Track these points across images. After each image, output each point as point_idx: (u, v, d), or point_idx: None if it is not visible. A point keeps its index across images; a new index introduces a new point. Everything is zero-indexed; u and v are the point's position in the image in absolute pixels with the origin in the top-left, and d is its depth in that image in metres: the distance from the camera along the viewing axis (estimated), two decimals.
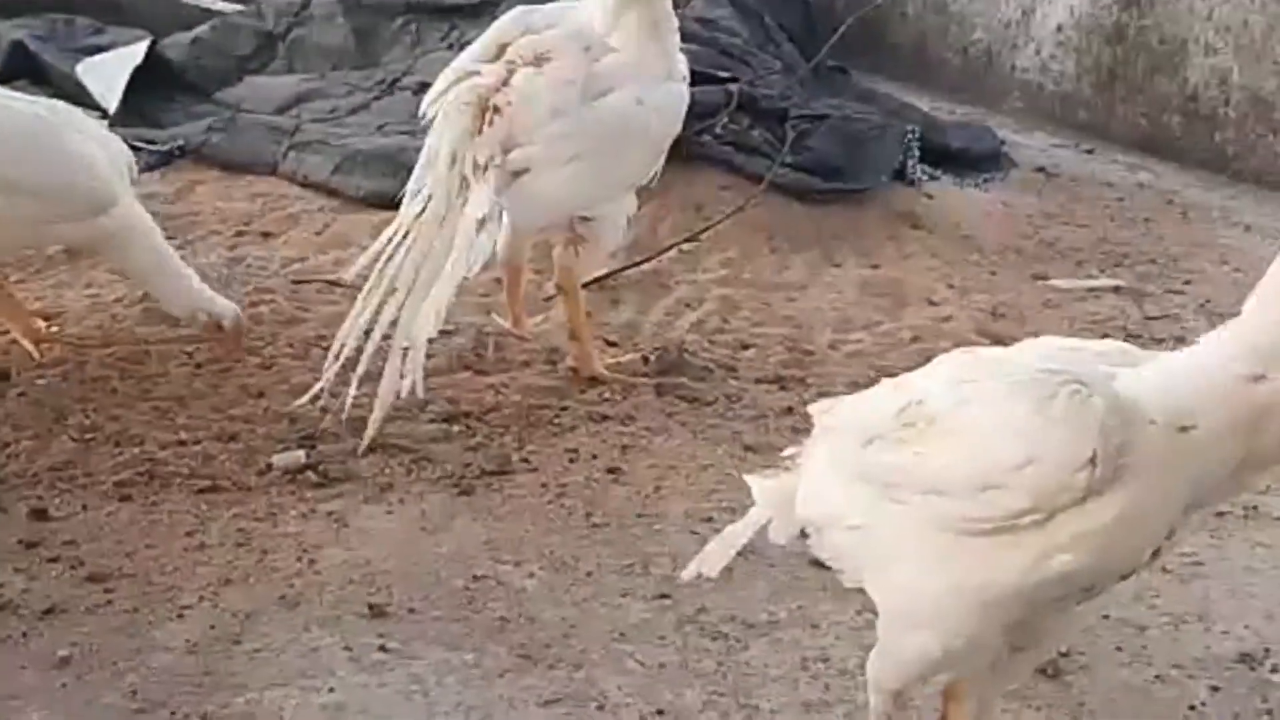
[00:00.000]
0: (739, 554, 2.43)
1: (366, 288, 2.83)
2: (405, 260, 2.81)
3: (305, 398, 2.83)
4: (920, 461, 1.53)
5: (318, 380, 2.87)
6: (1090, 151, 6.18)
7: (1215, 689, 2.12)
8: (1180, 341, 3.80)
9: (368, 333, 2.79)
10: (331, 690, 2.03)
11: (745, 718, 2.02)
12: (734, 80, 4.43)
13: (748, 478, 1.85)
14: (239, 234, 3.89)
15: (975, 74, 6.99)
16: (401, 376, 2.75)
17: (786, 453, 1.83)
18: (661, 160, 3.09)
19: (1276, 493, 2.80)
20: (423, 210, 2.85)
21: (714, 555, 1.84)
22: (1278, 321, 1.46)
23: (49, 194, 2.93)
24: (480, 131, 2.85)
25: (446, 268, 2.77)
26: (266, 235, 3.89)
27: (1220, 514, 2.70)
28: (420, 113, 3.09)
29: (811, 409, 1.81)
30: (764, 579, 2.40)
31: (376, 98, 4.80)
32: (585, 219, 3.03)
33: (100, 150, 3.05)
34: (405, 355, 2.74)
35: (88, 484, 2.58)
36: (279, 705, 1.99)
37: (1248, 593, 2.42)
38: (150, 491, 2.57)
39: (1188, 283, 4.35)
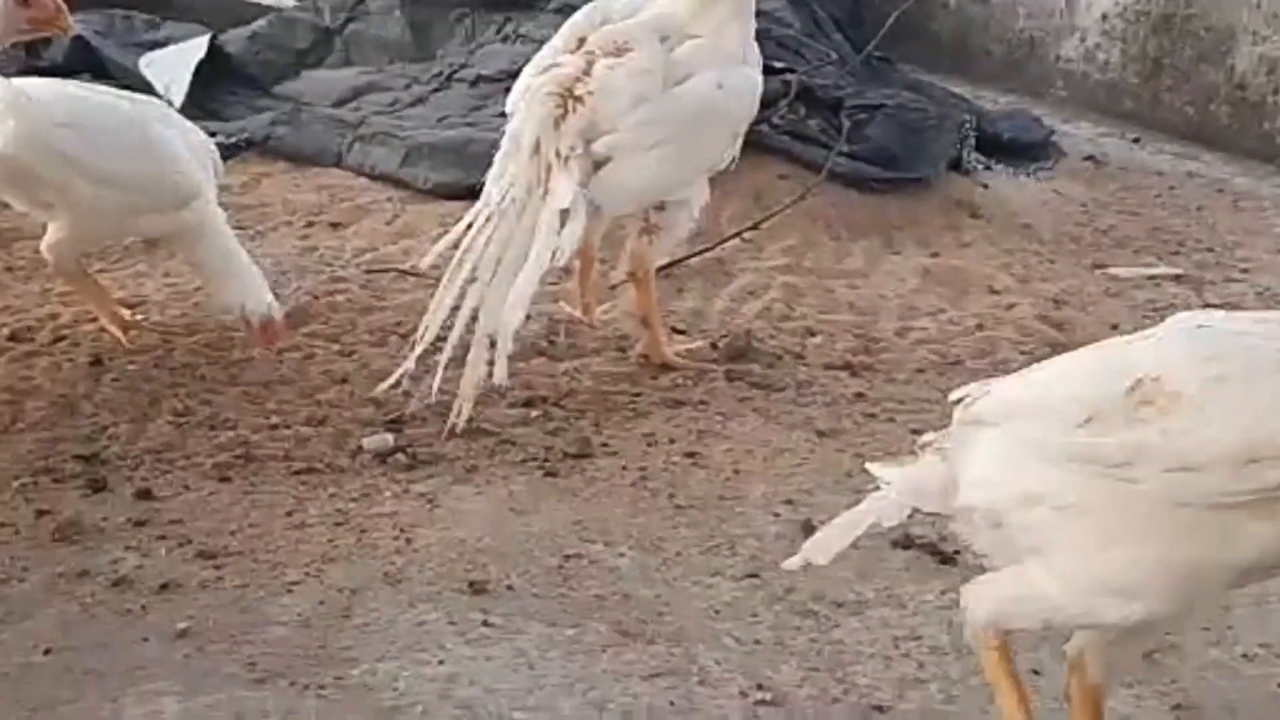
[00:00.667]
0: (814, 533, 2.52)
1: (447, 275, 2.89)
2: (487, 249, 2.87)
3: (388, 383, 2.90)
4: (1168, 439, 1.54)
5: (396, 366, 2.96)
6: (1137, 140, 6.19)
7: None
8: None
9: (450, 321, 2.86)
10: (441, 663, 2.10)
11: (843, 692, 2.08)
12: (791, 71, 4.47)
13: (873, 467, 1.87)
14: (309, 225, 3.96)
15: (1018, 63, 7.00)
16: (489, 364, 2.81)
17: (924, 440, 1.85)
18: (738, 145, 3.13)
19: None
20: (504, 199, 2.91)
21: (826, 543, 1.86)
22: None
23: (136, 186, 3.02)
24: (563, 121, 2.90)
25: (531, 257, 2.83)
26: (336, 226, 3.96)
27: None
28: (506, 107, 3.13)
29: (955, 396, 1.84)
30: (848, 560, 2.43)
31: (435, 90, 4.87)
32: (660, 207, 3.09)
33: (185, 144, 3.14)
34: (490, 344, 2.80)
35: (187, 465, 2.66)
36: (393, 676, 2.06)
37: None
38: (248, 473, 2.64)
39: (1245, 270, 4.38)
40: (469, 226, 2.93)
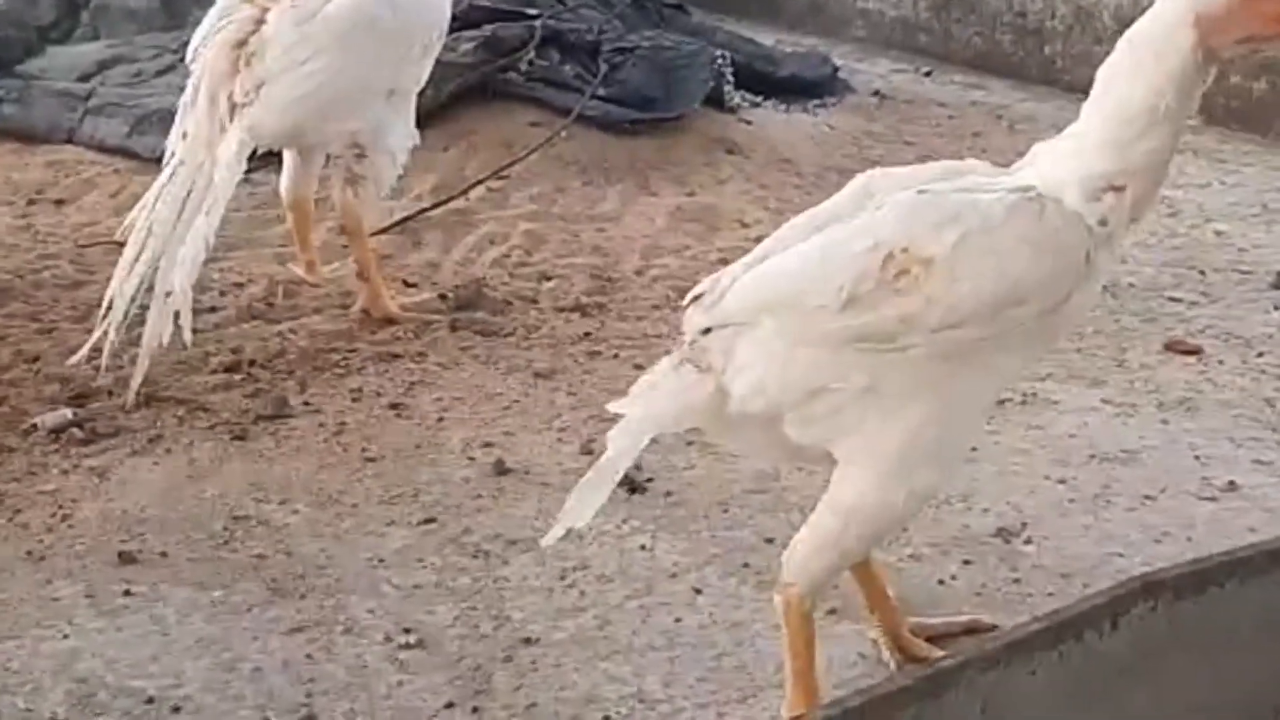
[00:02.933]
0: (512, 474, 2.45)
1: (131, 237, 2.77)
2: (165, 206, 2.74)
3: (76, 356, 2.75)
4: (930, 303, 1.60)
5: (96, 339, 2.81)
6: (929, 74, 6.23)
7: (968, 562, 2.15)
8: None
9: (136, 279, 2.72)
10: (66, 637, 1.97)
11: (494, 628, 2.01)
12: (536, 17, 4.37)
13: (618, 406, 1.79)
14: (30, 203, 3.76)
15: (818, 5, 7.01)
16: (176, 325, 2.68)
17: (670, 361, 1.78)
18: (424, 67, 3.01)
19: (1054, 379, 2.84)
20: (180, 154, 2.79)
21: (582, 502, 1.78)
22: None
23: None
24: (234, 75, 2.79)
25: (202, 211, 2.71)
26: (59, 203, 3.77)
27: (1000, 402, 2.73)
28: (186, 60, 3.02)
29: (690, 296, 1.80)
30: (535, 497, 2.38)
31: (183, 59, 4.66)
32: (360, 154, 2.98)
33: None
34: (168, 302, 2.67)
35: None
36: (9, 655, 1.93)
37: (1014, 472, 2.45)
38: None
39: None
40: (157, 187, 2.81)
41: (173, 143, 2.88)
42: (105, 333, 2.72)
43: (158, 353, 2.67)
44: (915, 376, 1.64)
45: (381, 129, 2.96)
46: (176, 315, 2.69)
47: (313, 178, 3.18)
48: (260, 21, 2.88)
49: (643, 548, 2.22)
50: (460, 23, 4.29)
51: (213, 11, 2.98)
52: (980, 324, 1.62)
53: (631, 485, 2.41)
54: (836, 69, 5.51)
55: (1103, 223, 1.65)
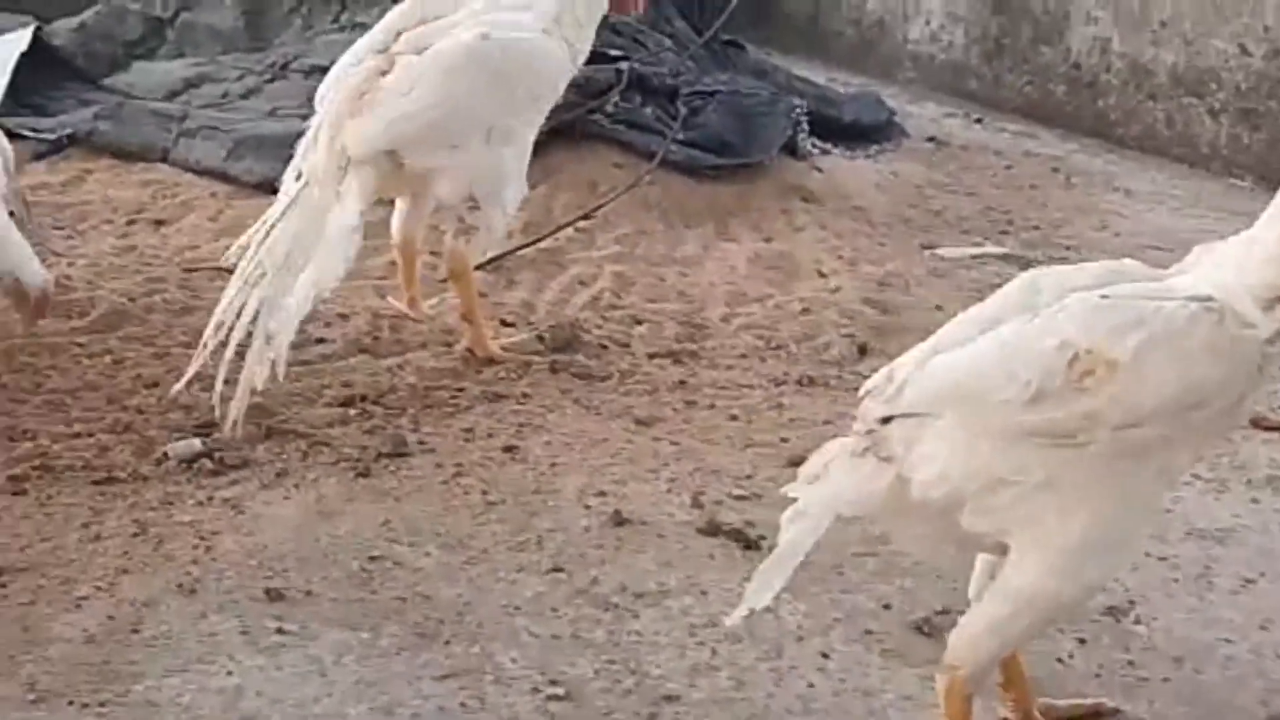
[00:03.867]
0: (629, 524, 2.55)
1: (241, 268, 2.85)
2: (277, 242, 2.84)
3: (181, 383, 2.82)
4: (1114, 402, 1.71)
5: (211, 368, 2.91)
6: (979, 121, 6.35)
7: (1082, 641, 2.24)
8: None
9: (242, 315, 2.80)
10: (229, 674, 2.07)
11: (635, 683, 2.10)
12: (625, 59, 4.48)
13: (793, 489, 1.86)
14: (130, 223, 3.87)
15: (868, 46, 7.13)
16: (271, 362, 2.74)
17: (852, 447, 1.84)
18: (532, 115, 3.09)
19: None
20: (298, 192, 2.89)
21: (765, 583, 1.85)
22: None
23: None
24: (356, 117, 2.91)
25: (320, 255, 2.80)
26: (159, 224, 3.88)
27: None
28: (315, 101, 3.12)
29: (865, 389, 1.88)
30: (653, 549, 2.48)
31: (269, 80, 4.78)
32: (474, 205, 3.08)
33: None
34: (269, 345, 2.74)
35: None
36: (178, 691, 2.02)
37: None
38: (44, 485, 2.57)
39: (1069, 248, 4.52)
40: (268, 220, 2.91)
41: (289, 181, 2.97)
42: (208, 362, 2.79)
43: (256, 390, 2.74)
44: (1093, 472, 1.73)
45: (496, 180, 3.06)
46: (274, 362, 2.74)
47: (422, 221, 3.28)
48: (385, 72, 2.99)
49: (767, 609, 2.30)
50: None
51: (345, 57, 3.09)
52: (1160, 424, 1.72)
53: (746, 542, 2.52)
54: (894, 113, 5.63)
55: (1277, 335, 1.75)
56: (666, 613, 2.29)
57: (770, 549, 2.39)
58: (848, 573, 2.43)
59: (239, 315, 2.77)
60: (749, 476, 2.78)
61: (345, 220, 2.88)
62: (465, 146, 3.00)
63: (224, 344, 2.77)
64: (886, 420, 1.82)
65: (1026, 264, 4.31)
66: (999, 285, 4.01)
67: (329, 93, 3.04)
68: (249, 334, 2.76)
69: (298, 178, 2.98)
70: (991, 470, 1.76)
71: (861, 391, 1.89)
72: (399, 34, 3.09)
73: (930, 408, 1.79)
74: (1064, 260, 4.40)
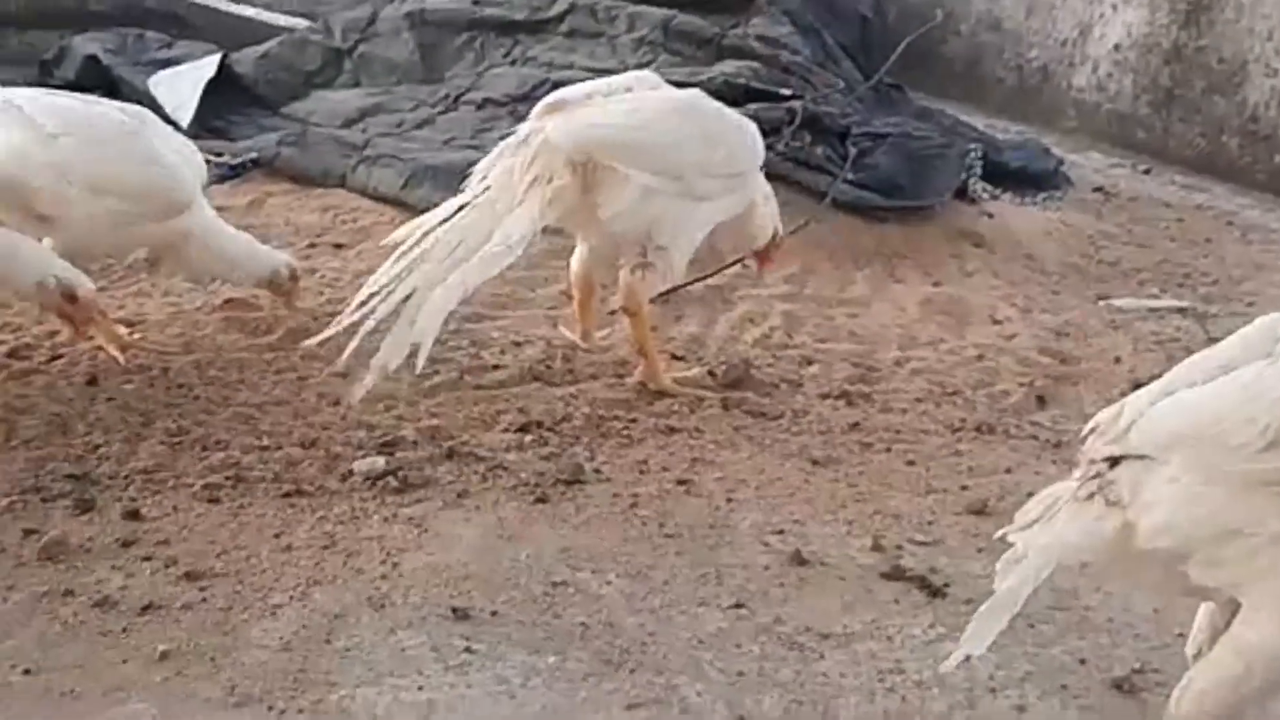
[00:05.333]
0: (809, 564, 2.51)
1: (402, 247, 2.91)
2: (448, 232, 2.89)
3: (317, 339, 2.93)
4: None
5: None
6: (1147, 172, 6.17)
7: None
8: None
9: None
10: (420, 689, 2.08)
11: None
12: (797, 98, 4.48)
13: (1014, 534, 1.81)
14: (311, 245, 3.98)
15: (1030, 92, 7.00)
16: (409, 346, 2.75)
17: (1077, 491, 1.78)
18: (725, 186, 3.15)
19: None
20: (481, 191, 2.96)
21: (982, 630, 1.80)
22: None
23: (131, 194, 3.05)
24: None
25: (478, 258, 2.84)
26: (338, 247, 3.97)
27: None
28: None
29: (1088, 428, 1.82)
30: (836, 592, 2.44)
31: (442, 112, 4.89)
32: (658, 246, 3.09)
33: (174, 151, 3.19)
34: (411, 330, 2.76)
35: (177, 486, 2.66)
36: (372, 702, 2.04)
37: None
38: (237, 495, 2.64)
39: (1251, 304, 4.35)
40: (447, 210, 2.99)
41: (474, 182, 3.02)
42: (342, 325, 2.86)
43: (388, 371, 2.78)
44: None
45: (677, 229, 3.08)
46: (414, 348, 2.76)
47: (602, 262, 3.30)
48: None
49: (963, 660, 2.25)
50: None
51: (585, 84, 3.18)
52: None
53: (931, 589, 2.46)
54: (1061, 161, 5.51)
55: None
56: (853, 656, 2.24)
57: (955, 598, 2.36)
58: (1039, 626, 2.35)
59: (391, 294, 2.82)
60: (930, 522, 2.72)
61: (514, 231, 2.91)
62: (657, 178, 3.02)
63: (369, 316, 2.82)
64: (1114, 462, 1.75)
65: (1205, 318, 4.17)
66: (1179, 340, 3.96)
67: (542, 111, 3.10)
68: (394, 313, 2.81)
69: (483, 174, 3.04)
70: (1223, 520, 1.68)
71: (1086, 429, 1.83)
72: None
73: (1159, 450, 1.72)
74: (1246, 316, 4.24)
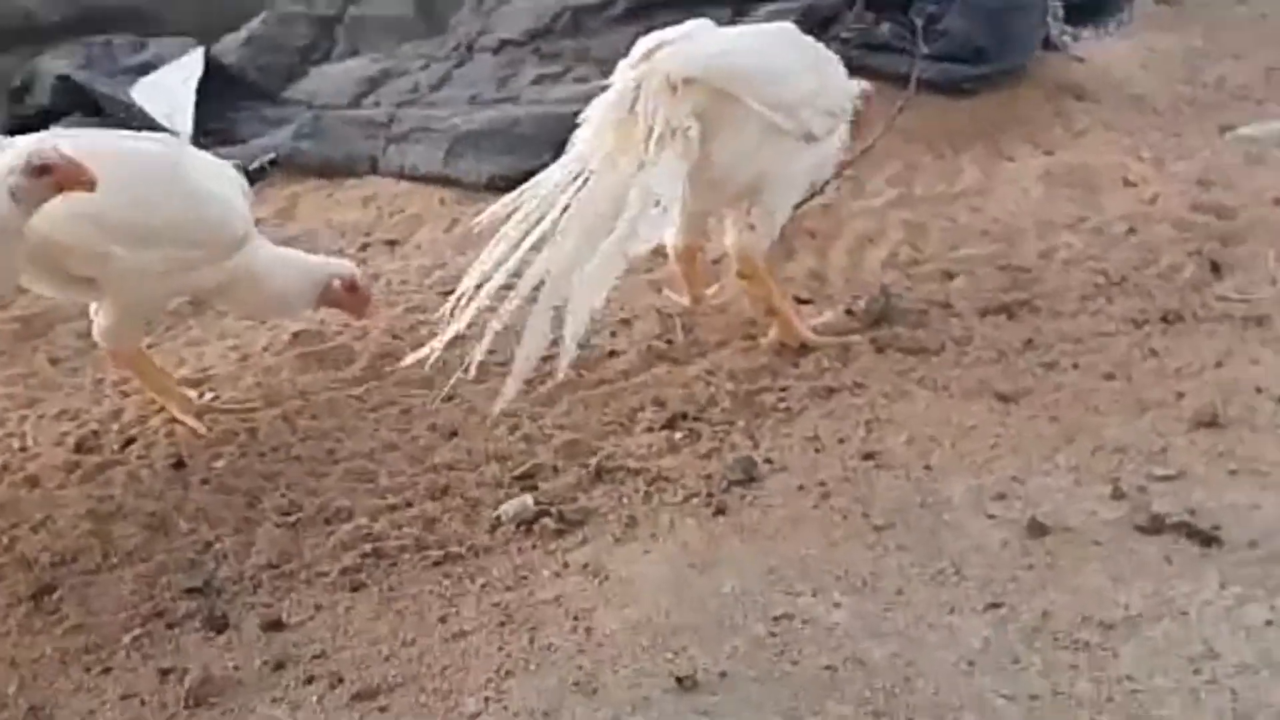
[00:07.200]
0: (1052, 533, 2.17)
1: (511, 229, 2.54)
2: (568, 209, 2.51)
3: (414, 357, 2.59)
4: None
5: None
6: None
7: None
8: None
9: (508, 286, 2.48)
10: None
11: None
12: None
13: None
14: (363, 247, 3.59)
15: None
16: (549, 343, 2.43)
17: None
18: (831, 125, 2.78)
19: None
20: (595, 160, 2.57)
21: None
22: None
23: (182, 238, 2.63)
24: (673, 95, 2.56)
25: (618, 230, 2.48)
26: (393, 244, 3.58)
27: None
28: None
29: None
30: (1097, 562, 2.10)
31: (456, 65, 4.46)
32: (764, 202, 2.71)
33: (222, 179, 2.76)
34: (562, 318, 2.42)
35: (311, 577, 2.32)
36: None
37: None
38: (381, 575, 2.31)
39: None
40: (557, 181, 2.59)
41: (581, 150, 2.62)
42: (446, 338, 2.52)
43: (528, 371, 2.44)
44: None
45: (789, 179, 2.75)
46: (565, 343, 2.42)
47: (701, 228, 2.92)
48: None
49: (1269, 623, 1.92)
50: None
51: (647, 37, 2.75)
52: None
53: (1202, 537, 2.12)
54: None
55: None
56: (1151, 645, 1.92)
57: (1234, 543, 2.02)
58: None
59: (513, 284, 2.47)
60: (1162, 450, 2.38)
61: (662, 189, 2.52)
62: (778, 112, 2.63)
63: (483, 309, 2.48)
64: None
65: None
66: None
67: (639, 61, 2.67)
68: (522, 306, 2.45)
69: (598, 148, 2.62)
70: None
71: None
72: None
73: None
74: None
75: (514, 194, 2.63)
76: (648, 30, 2.81)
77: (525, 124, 3.71)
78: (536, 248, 2.50)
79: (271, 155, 4.05)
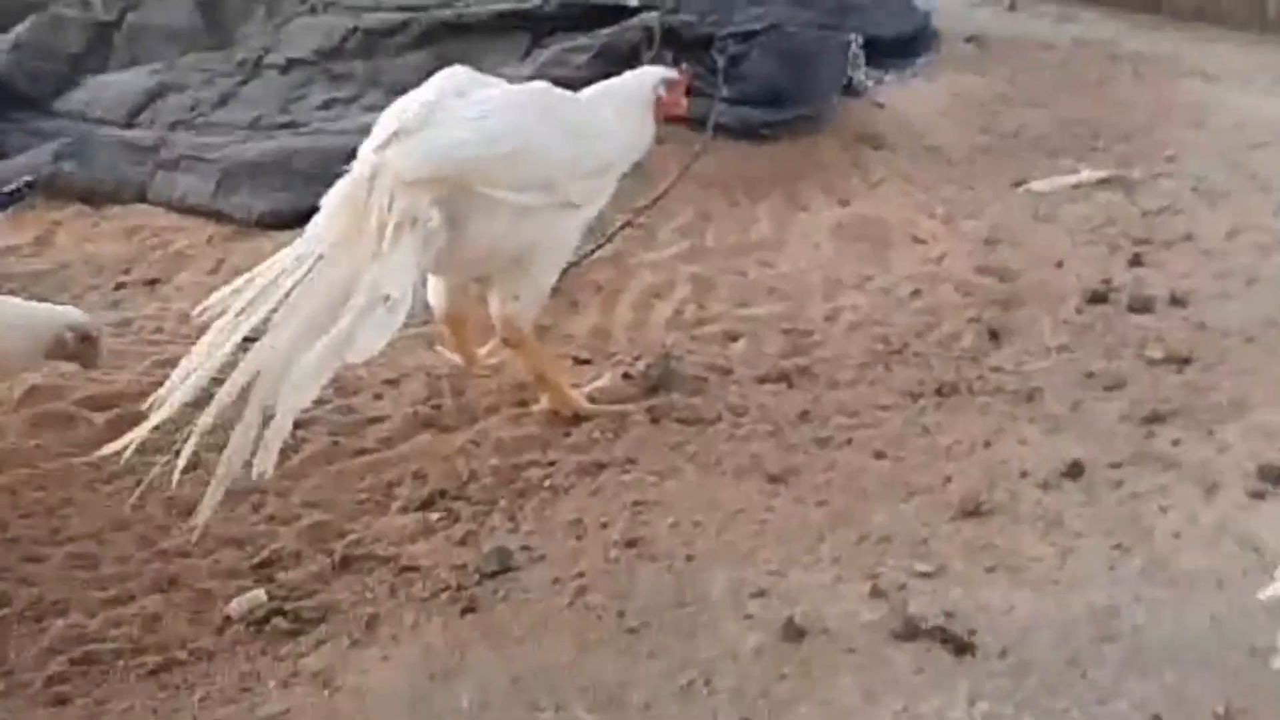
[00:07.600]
0: (808, 635, 2.09)
1: (221, 321, 2.36)
2: (287, 300, 2.33)
3: (110, 448, 2.37)
4: None
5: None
6: (1012, 7, 5.81)
7: None
8: (1189, 239, 3.49)
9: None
10: None
11: None
12: (648, 8, 3.91)
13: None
14: (119, 286, 3.33)
15: None
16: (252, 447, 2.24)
17: None
18: (594, 185, 2.64)
19: None
20: (325, 247, 2.39)
21: None
22: None
23: None
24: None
25: (339, 327, 2.30)
26: (152, 284, 3.33)
27: None
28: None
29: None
30: (849, 671, 2.03)
31: (241, 82, 4.20)
32: (523, 267, 2.58)
33: None
34: (268, 426, 2.25)
35: (12, 688, 2.09)
36: None
37: None
38: (91, 684, 2.09)
39: (1171, 159, 4.04)
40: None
41: (313, 233, 2.44)
42: (144, 431, 2.33)
43: (229, 480, 2.25)
44: None
45: (554, 247, 2.62)
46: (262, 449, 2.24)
47: (465, 298, 2.76)
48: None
49: None
50: (557, 23, 3.87)
51: (392, 109, 2.55)
52: None
53: (956, 644, 2.07)
54: (928, 15, 5.07)
55: None
56: None
57: (987, 649, 1.98)
58: (1091, 672, 1.99)
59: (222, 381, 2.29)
60: (924, 541, 2.32)
61: (391, 285, 2.36)
62: (530, 193, 2.49)
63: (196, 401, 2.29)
64: None
65: (1132, 187, 3.83)
66: (1115, 223, 3.59)
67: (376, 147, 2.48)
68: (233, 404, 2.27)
69: (327, 232, 2.45)
70: None
71: None
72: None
73: None
74: (1167, 178, 3.91)
75: (242, 278, 2.44)
76: (438, 58, 2.65)
77: (303, 158, 3.50)
78: (254, 337, 2.31)
79: (28, 178, 3.74)
